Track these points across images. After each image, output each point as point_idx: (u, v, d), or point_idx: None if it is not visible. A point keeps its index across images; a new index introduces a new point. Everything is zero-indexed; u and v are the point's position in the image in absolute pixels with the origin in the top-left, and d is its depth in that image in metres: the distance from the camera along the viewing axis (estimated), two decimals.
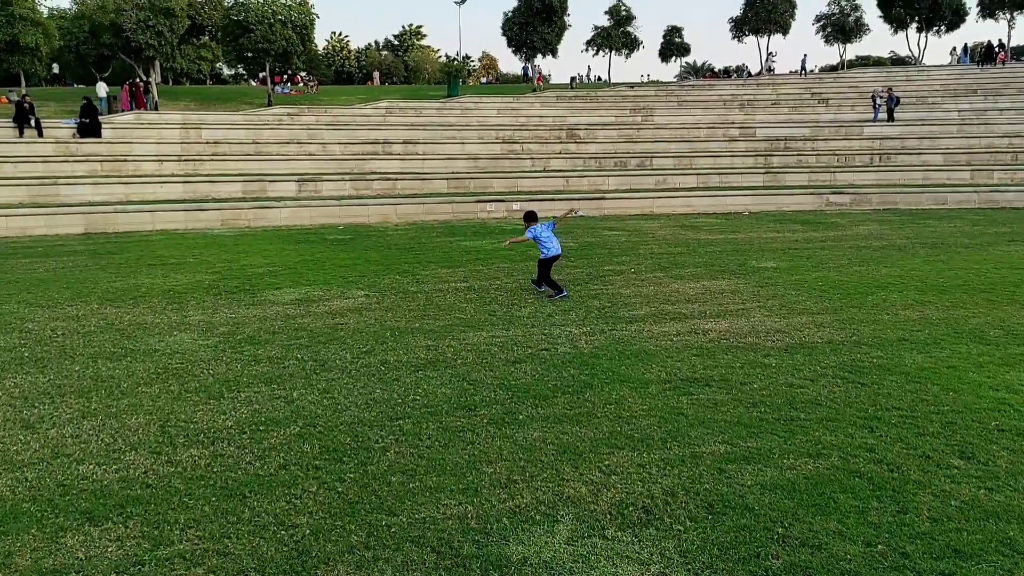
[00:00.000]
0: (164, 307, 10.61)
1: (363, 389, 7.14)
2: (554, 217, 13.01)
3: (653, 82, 72.78)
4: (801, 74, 62.86)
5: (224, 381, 7.33)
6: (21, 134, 29.11)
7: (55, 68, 72.69)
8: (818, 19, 70.77)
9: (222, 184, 25.22)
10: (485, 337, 8.84)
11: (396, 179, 27.16)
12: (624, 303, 10.98)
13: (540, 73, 66.10)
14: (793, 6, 72.04)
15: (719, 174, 29.72)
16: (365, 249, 16.76)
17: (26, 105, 30.27)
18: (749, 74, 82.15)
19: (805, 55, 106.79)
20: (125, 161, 26.84)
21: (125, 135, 31.46)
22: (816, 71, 70.13)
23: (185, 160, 27.94)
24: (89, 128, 29.99)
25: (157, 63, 63.91)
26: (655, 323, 9.73)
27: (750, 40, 76.63)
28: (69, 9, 63.91)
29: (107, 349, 8.21)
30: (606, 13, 74.23)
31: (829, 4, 70.05)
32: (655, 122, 42.57)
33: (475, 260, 15.02)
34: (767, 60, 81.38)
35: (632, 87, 66.92)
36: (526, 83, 77.54)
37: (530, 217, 12.53)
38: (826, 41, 70.10)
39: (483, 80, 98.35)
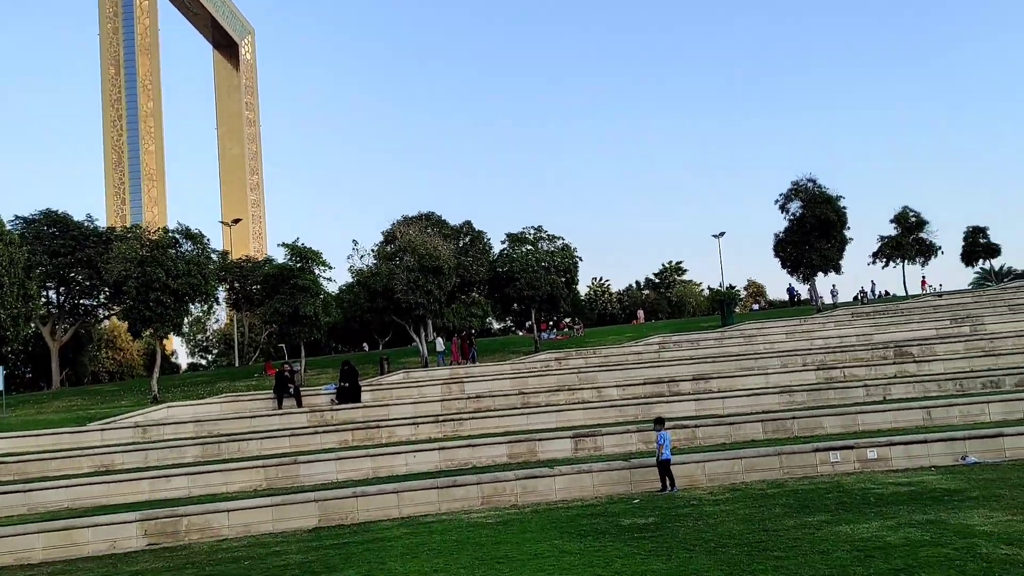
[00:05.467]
0: None
1: None
2: None
3: (949, 292, 62.88)
4: None
5: None
6: (280, 405, 27.21)
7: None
8: None
9: (484, 448, 20.76)
10: None
11: (695, 426, 21.33)
12: None
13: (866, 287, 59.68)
14: None
15: None
16: (686, 547, 10.80)
17: (286, 374, 28.70)
18: None
19: None
20: (379, 427, 23.49)
21: (385, 396, 28.81)
22: None
23: (444, 420, 24.15)
24: (348, 393, 27.57)
25: (428, 321, 64.97)
26: None
27: None
28: (352, 282, 67.71)
29: None
30: (892, 221, 66.66)
31: None
32: (991, 331, 34.05)
33: (899, 572, 8.54)
34: None
35: (940, 296, 58.01)
36: (793, 306, 70.43)
37: (660, 422, 16.58)
38: None
39: (754, 307, 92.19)
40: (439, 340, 47.05)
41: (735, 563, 9.66)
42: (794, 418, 21.16)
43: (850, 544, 10.11)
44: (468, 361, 40.81)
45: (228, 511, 15.83)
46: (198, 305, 48.01)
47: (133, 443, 23.12)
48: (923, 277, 70.58)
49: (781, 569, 9.17)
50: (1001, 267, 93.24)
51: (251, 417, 25.74)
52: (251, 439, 22.64)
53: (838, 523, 11.52)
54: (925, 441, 17.64)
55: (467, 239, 70.45)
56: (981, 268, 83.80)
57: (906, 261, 66.47)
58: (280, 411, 26.52)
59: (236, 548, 14.19)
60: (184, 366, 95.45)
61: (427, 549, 12.40)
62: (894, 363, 27.74)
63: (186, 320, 75.71)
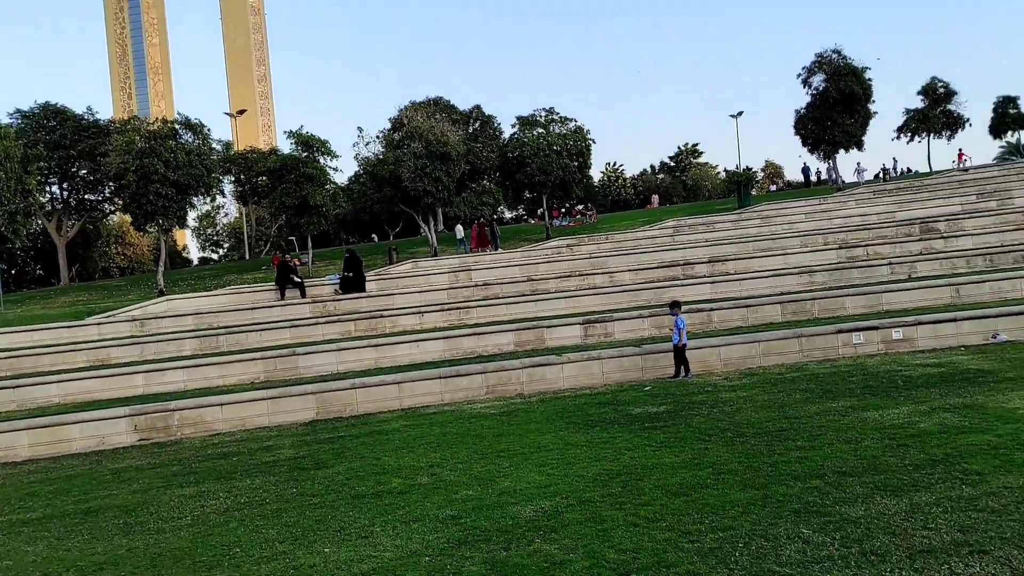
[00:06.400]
0: None
1: None
2: None
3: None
4: None
5: None
6: (282, 296, 26.49)
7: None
8: None
9: (491, 336, 19.98)
10: None
11: (710, 309, 20.40)
12: None
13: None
14: None
15: None
16: (700, 438, 9.99)
17: (291, 264, 27.91)
18: None
19: None
20: (382, 317, 22.75)
21: (391, 286, 28.02)
22: None
23: (450, 309, 23.35)
24: (352, 283, 26.78)
25: (439, 211, 63.80)
26: None
27: None
28: (359, 171, 66.19)
29: None
30: (919, 93, 63.82)
31: None
32: (1019, 205, 32.59)
33: (938, 463, 7.66)
34: None
35: (965, 170, 56.07)
36: (808, 187, 68.49)
37: (677, 305, 15.56)
38: None
39: (772, 188, 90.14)
40: (459, 227, 46.97)
41: (755, 454, 8.83)
42: (814, 299, 20.17)
43: (880, 432, 9.25)
44: (490, 248, 39.94)
45: (222, 405, 15.20)
46: (202, 198, 47.04)
47: (130, 337, 22.51)
48: (960, 150, 68.18)
49: (806, 460, 8.32)
50: None
51: (252, 309, 25.05)
52: (251, 331, 21.98)
53: (865, 409, 10.65)
54: (954, 320, 16.64)
55: (476, 124, 68.41)
56: (1006, 142, 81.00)
57: (932, 135, 64.01)
58: (282, 302, 25.80)
59: (228, 443, 13.58)
60: (195, 260, 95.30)
61: (425, 442, 11.70)
62: (920, 240, 26.54)
63: (193, 213, 74.67)
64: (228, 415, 15.02)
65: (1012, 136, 70.17)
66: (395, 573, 6.31)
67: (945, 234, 26.98)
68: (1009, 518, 6.04)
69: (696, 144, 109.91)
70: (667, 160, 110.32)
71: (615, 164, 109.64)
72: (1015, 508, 6.24)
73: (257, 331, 21.94)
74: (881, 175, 66.95)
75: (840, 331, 16.75)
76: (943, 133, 63.21)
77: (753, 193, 71.28)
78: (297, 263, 41.71)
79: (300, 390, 15.66)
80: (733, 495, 7.41)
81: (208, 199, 52.66)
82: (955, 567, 5.27)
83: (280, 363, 18.61)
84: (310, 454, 11.76)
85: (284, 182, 46.51)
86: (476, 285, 26.66)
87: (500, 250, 39.56)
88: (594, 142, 52.59)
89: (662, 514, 7.07)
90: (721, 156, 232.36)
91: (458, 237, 44.42)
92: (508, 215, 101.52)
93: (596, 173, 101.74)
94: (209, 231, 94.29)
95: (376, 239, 78.03)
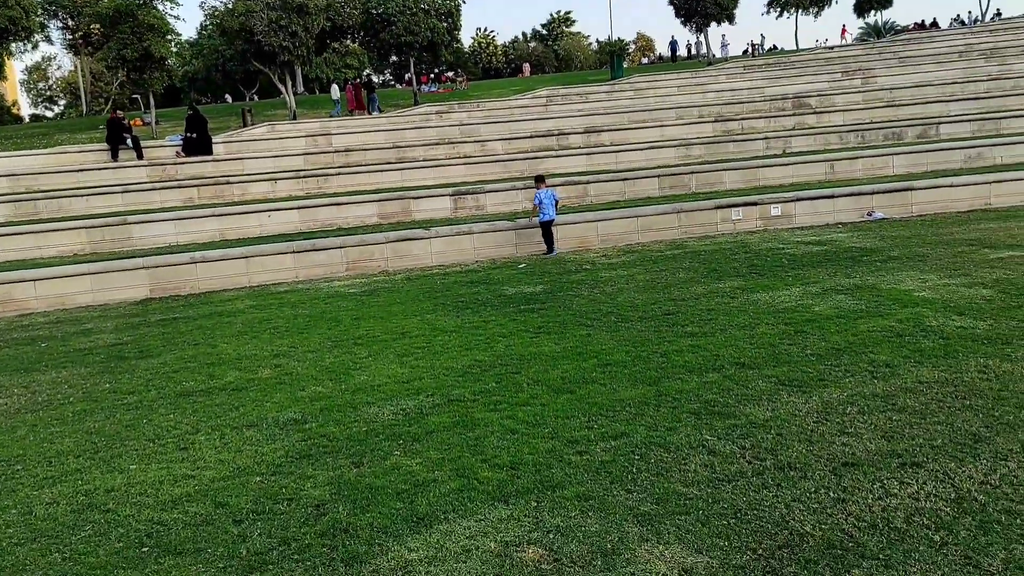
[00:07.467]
0: None
1: None
2: None
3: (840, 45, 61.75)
4: None
5: None
6: (115, 157, 23.52)
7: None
8: None
9: (352, 207, 18.32)
10: None
11: (586, 182, 19.39)
12: None
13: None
14: None
15: None
16: (582, 323, 9.04)
17: (125, 122, 24.83)
18: (963, 23, 69.51)
19: None
20: (230, 184, 20.55)
21: (241, 149, 25.46)
22: None
23: (306, 176, 21.38)
24: (196, 144, 24.08)
25: (298, 71, 59.49)
26: None
27: None
28: (206, 23, 60.47)
29: None
30: None
31: None
32: (882, 83, 32.91)
33: (842, 352, 6.96)
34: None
35: (831, 48, 56.89)
36: (674, 61, 68.11)
37: (539, 180, 14.73)
38: None
39: (644, 60, 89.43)
40: (334, 87, 44.52)
41: (642, 342, 7.93)
42: (692, 173, 19.51)
43: (773, 316, 8.53)
44: (367, 112, 37.09)
45: (36, 280, 13.10)
46: (22, 44, 41.80)
47: None
48: (844, 26, 68.86)
49: (699, 350, 7.48)
50: (886, 22, 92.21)
51: (79, 171, 22.08)
52: (76, 196, 19.33)
53: (754, 290, 9.96)
54: (832, 196, 16.32)
55: None
56: (866, 23, 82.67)
57: (800, 11, 64.23)
58: (114, 164, 22.93)
59: (40, 325, 11.68)
60: (27, 118, 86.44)
61: (272, 327, 10.27)
62: (793, 115, 26.24)
63: (19, 64, 66.81)
64: (44, 292, 12.99)
65: (873, 16, 71.46)
66: (215, 499, 5.04)
67: (817, 110, 26.79)
68: (934, 420, 5.35)
69: (569, 12, 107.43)
70: (539, 28, 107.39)
71: (486, 30, 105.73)
72: (938, 408, 5.56)
73: (83, 196, 19.30)
74: (749, 50, 67.09)
75: (719, 207, 16.16)
76: (811, 10, 63.47)
77: (625, 65, 70.23)
78: (139, 123, 37.74)
79: (131, 264, 13.72)
80: (623, 392, 6.48)
81: (30, 45, 46.82)
82: (888, 485, 4.49)
83: (109, 233, 16.38)
84: (135, 340, 10.12)
85: (120, 31, 41.65)
86: (336, 151, 24.57)
87: (377, 114, 36.88)
88: (464, 2, 49.81)
89: (544, 417, 6.06)
90: (593, 27, 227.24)
91: (333, 98, 41.76)
92: (375, 80, 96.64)
93: (466, 39, 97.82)
94: (40, 85, 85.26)
95: (231, 100, 72.67)
